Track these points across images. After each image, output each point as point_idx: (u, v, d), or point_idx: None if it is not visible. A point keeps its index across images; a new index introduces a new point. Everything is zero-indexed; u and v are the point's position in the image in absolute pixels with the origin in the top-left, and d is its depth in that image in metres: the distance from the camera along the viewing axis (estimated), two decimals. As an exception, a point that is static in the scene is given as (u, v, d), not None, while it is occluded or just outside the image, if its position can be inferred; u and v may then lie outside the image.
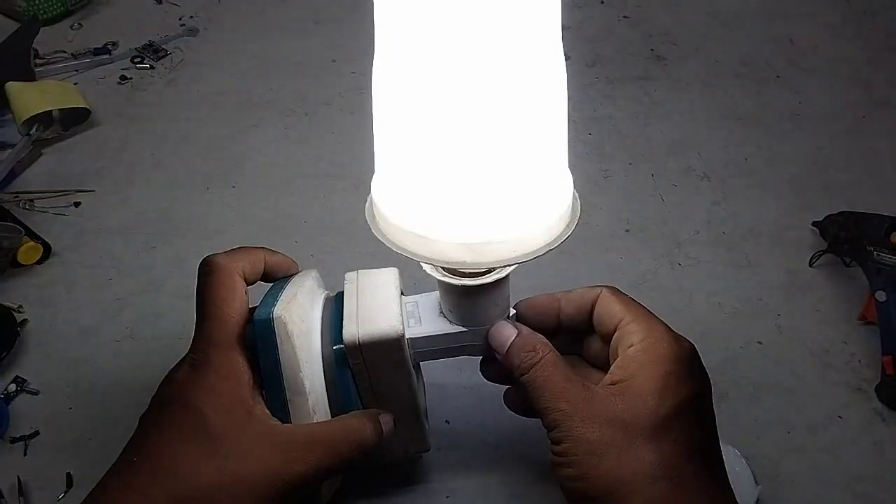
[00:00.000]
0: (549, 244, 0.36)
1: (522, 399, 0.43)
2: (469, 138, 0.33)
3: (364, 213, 0.39)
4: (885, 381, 0.53)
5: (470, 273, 0.39)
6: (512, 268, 0.39)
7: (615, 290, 0.42)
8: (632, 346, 0.38)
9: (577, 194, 0.39)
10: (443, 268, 0.39)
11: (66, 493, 0.48)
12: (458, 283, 0.39)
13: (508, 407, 0.45)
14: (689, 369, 0.38)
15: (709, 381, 0.39)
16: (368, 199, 0.39)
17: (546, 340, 0.40)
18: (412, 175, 0.35)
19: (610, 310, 0.41)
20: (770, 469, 0.50)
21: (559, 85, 0.35)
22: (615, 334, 0.40)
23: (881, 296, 0.54)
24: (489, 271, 0.39)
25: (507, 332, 0.40)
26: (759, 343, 0.57)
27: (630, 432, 0.35)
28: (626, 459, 0.35)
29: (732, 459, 0.49)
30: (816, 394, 0.54)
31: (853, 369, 0.55)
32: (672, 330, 0.39)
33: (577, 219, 0.38)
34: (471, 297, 0.40)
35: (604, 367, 0.41)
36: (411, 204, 0.35)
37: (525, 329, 0.41)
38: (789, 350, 0.57)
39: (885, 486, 0.49)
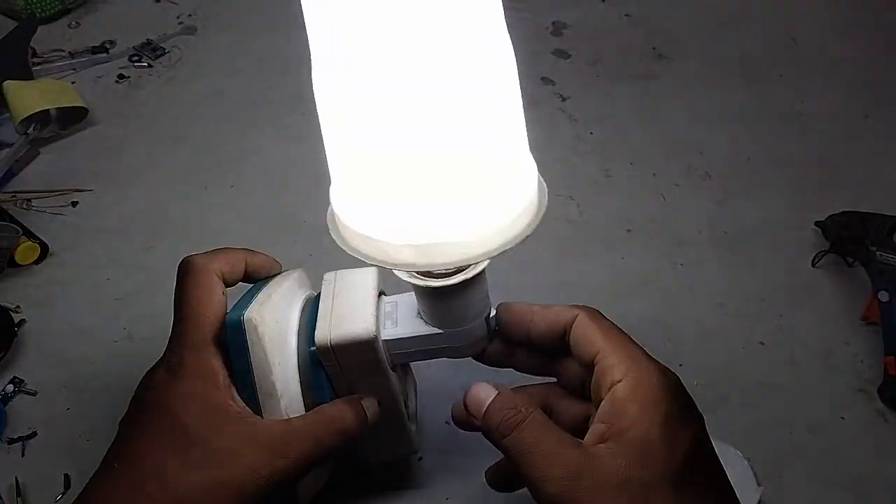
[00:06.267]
0: (503, 245, 0.34)
1: (508, 472, 0.40)
2: (403, 134, 0.31)
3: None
4: (887, 381, 0.53)
5: (436, 274, 0.37)
6: (481, 268, 0.38)
7: (593, 315, 0.38)
8: (616, 383, 0.35)
9: (545, 187, 0.36)
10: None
11: (63, 493, 0.48)
12: (424, 285, 0.37)
13: (492, 486, 0.41)
14: (684, 405, 0.35)
15: (699, 412, 0.36)
16: (330, 206, 0.38)
17: (528, 400, 0.36)
18: (355, 174, 0.34)
19: (587, 337, 0.37)
20: (772, 470, 0.49)
21: (504, 72, 0.32)
22: (595, 367, 0.36)
23: (884, 296, 0.54)
24: (458, 271, 0.37)
25: (483, 394, 0.37)
26: (762, 343, 0.57)
27: (644, 493, 0.32)
28: None
29: (734, 461, 0.49)
30: (818, 394, 0.54)
31: (856, 370, 0.55)
32: (654, 359, 0.36)
33: (540, 215, 0.35)
34: (441, 298, 0.38)
35: (581, 393, 0.39)
36: (358, 205, 0.34)
37: (504, 388, 0.37)
38: (791, 351, 0.56)
39: (888, 488, 0.49)
